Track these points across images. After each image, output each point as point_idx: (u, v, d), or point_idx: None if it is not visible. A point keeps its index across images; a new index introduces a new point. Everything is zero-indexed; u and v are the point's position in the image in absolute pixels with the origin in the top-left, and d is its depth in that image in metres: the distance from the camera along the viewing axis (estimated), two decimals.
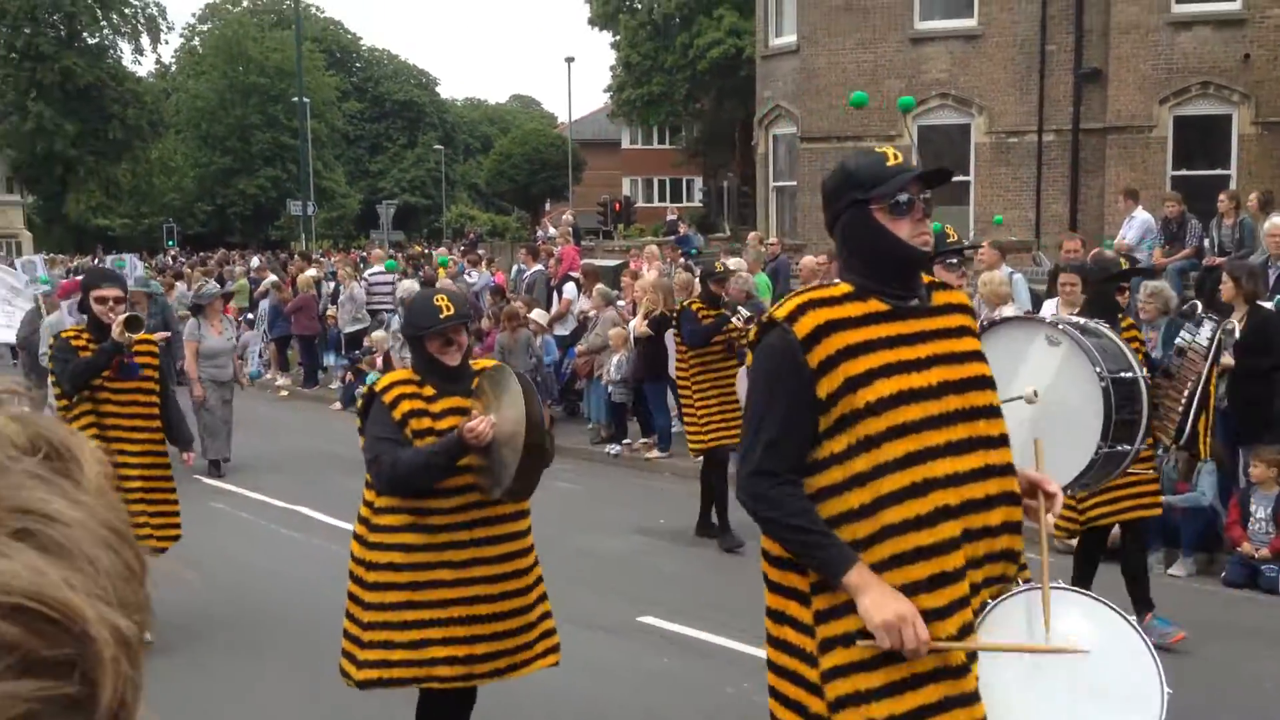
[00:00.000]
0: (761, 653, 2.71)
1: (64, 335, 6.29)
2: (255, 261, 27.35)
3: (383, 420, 4.01)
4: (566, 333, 14.07)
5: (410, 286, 13.41)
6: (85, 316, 6.48)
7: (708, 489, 8.96)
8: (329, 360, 18.19)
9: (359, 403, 4.27)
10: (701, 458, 9.00)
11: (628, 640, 6.69)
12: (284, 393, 17.73)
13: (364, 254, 26.93)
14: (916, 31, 20.41)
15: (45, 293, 13.44)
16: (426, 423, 4.01)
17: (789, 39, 22.09)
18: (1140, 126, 19.07)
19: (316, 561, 8.49)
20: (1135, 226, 13.69)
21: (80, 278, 13.69)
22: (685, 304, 9.10)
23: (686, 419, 9.10)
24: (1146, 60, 18.92)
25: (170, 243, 47.65)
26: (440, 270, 18.21)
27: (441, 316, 4.03)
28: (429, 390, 4.07)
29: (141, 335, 6.25)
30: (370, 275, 18.40)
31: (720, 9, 41.32)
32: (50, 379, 6.37)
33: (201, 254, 41.78)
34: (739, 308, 8.93)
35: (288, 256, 29.78)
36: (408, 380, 4.11)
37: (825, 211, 3.09)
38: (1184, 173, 18.51)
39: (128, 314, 6.21)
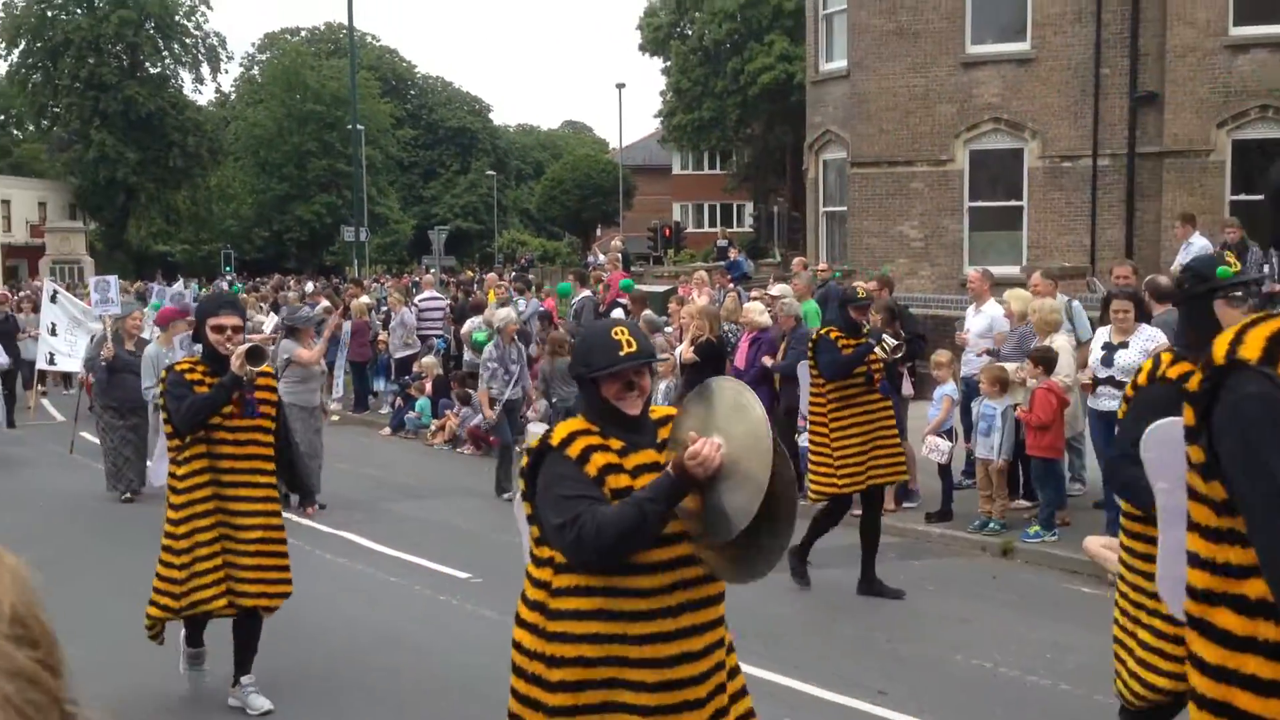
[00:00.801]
0: (806, 686, 2.60)
1: (178, 368, 5.65)
2: (309, 287, 27.65)
3: (573, 476, 3.18)
4: None
5: (508, 315, 12.55)
6: (199, 347, 5.93)
7: (817, 526, 8.32)
8: (379, 385, 18.31)
9: (524, 459, 3.39)
10: (824, 503, 8.24)
11: None
12: (334, 417, 17.84)
13: (415, 280, 27.17)
14: (968, 56, 20.26)
15: (116, 315, 12.97)
16: (625, 480, 3.21)
17: (839, 64, 22.03)
18: (1198, 150, 18.77)
19: (360, 588, 8.49)
20: (1192, 252, 13.43)
21: (178, 305, 13.32)
22: (822, 332, 8.29)
23: (816, 459, 8.15)
24: (1204, 83, 18.63)
25: (227, 268, 48.38)
26: (489, 294, 18.25)
27: (622, 354, 3.25)
28: (616, 443, 3.28)
29: (263, 368, 5.63)
30: (421, 300, 18.52)
31: (771, 35, 41.35)
32: (163, 416, 5.76)
33: (256, 279, 42.35)
34: (884, 335, 8.25)
35: (340, 281, 30.07)
36: (588, 430, 3.31)
37: (1273, 214, 2.43)
38: (1243, 198, 18.16)
39: (249, 344, 5.59)
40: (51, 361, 16.15)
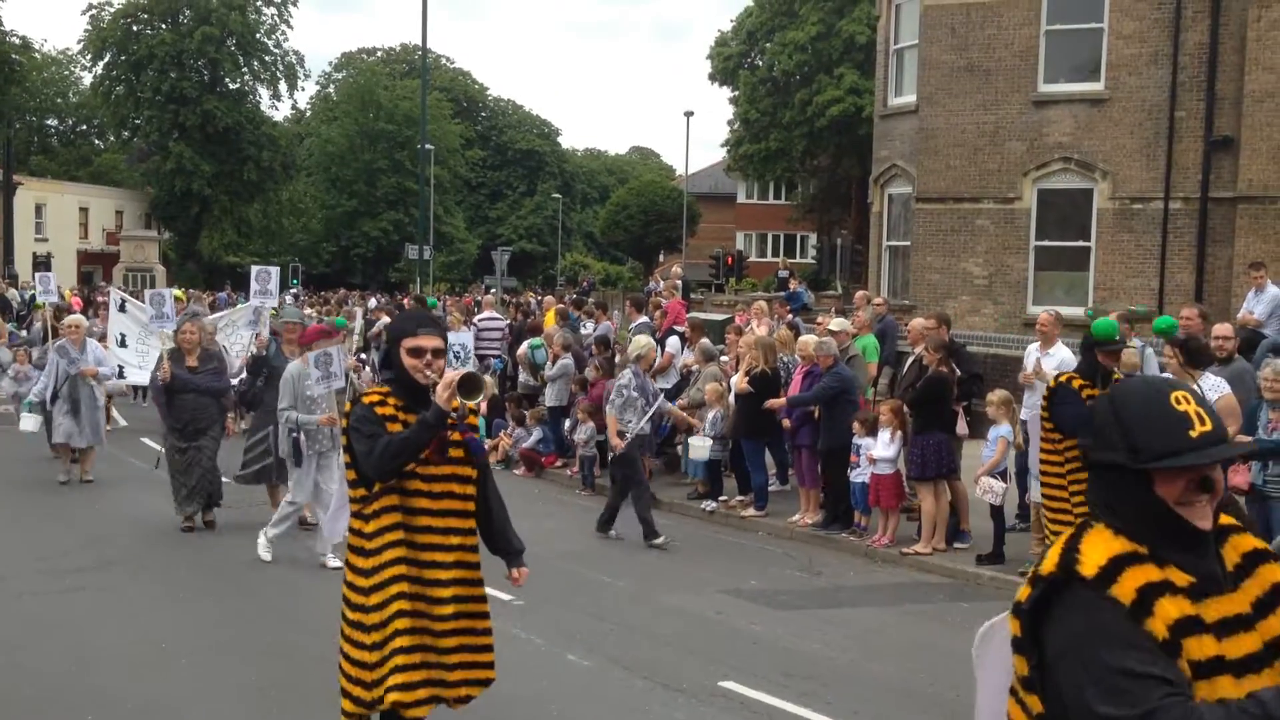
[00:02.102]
0: None
1: (365, 400, 4.50)
2: (373, 303, 27.96)
3: (1135, 641, 2.11)
4: (669, 386, 14.02)
5: (646, 343, 11.78)
6: (388, 373, 5.00)
7: None
8: None
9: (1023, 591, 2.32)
10: None
11: (705, 705, 6.54)
12: None
13: (477, 299, 27.38)
14: (1040, 94, 20.06)
15: (172, 331, 11.88)
16: (1211, 648, 2.17)
17: (909, 99, 21.92)
18: (1273, 196, 18.37)
19: None
20: (1265, 300, 13.14)
21: (321, 323, 11.87)
22: (1061, 379, 7.20)
23: (1054, 521, 7.02)
24: None
25: (294, 281, 49.14)
26: (548, 316, 18.31)
27: (1194, 434, 2.23)
28: (1181, 578, 2.21)
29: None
30: (480, 320, 18.64)
31: (841, 67, 41.31)
32: (344, 459, 4.63)
33: (322, 293, 42.94)
34: None
35: (404, 298, 30.36)
36: (1137, 555, 2.22)
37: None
38: None
39: (464, 372, 4.48)
40: (121, 375, 15.15)
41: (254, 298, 13.49)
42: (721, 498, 12.48)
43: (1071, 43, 20.09)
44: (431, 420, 4.30)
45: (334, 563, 9.01)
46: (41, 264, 44.99)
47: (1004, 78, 20.27)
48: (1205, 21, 18.81)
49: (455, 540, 4.52)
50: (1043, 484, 7.13)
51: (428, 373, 4.45)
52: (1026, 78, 20.13)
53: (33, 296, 28.14)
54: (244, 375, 13.27)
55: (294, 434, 9.60)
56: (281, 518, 9.82)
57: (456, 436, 4.50)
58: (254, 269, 14.25)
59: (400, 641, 4.36)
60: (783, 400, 11.37)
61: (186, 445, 10.82)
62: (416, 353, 4.47)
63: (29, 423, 13.50)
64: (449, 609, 4.47)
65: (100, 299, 27.73)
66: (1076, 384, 7.02)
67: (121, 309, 15.65)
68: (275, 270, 13.87)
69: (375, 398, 4.50)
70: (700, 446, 12.05)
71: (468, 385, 4.40)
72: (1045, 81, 20.10)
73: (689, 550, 10.83)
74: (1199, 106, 18.96)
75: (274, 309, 14.89)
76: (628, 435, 11.05)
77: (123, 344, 15.40)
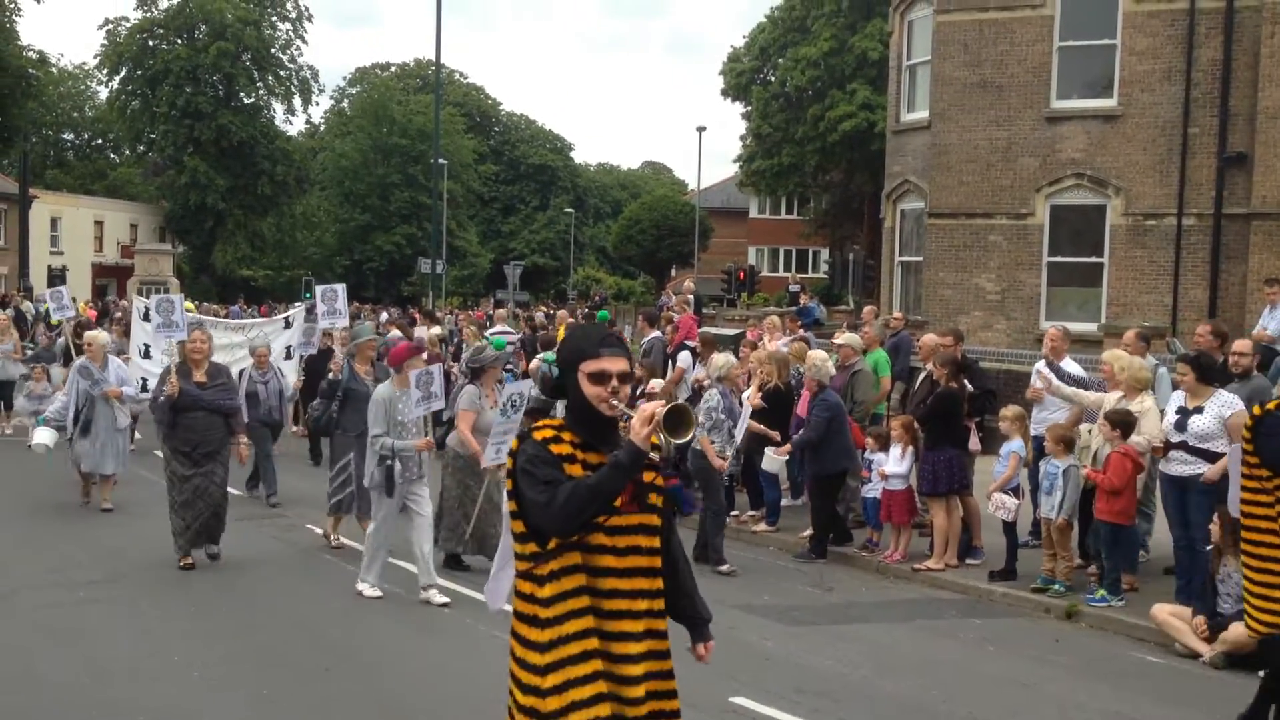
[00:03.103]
0: None
1: (538, 436, 3.65)
2: (384, 317, 28.03)
3: None
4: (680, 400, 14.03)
5: (728, 361, 11.45)
6: (554, 402, 4.14)
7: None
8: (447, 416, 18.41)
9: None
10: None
11: None
12: None
13: (489, 313, 27.44)
14: (1053, 110, 20.06)
15: (180, 340, 10.59)
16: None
17: (921, 114, 21.94)
18: None
19: (409, 618, 8.51)
20: (1278, 317, 13.10)
21: (411, 341, 11.09)
22: (1270, 406, 5.69)
23: (1257, 582, 5.66)
24: None
25: (307, 295, 49.31)
26: (559, 330, 18.36)
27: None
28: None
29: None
30: (491, 334, 18.67)
31: (853, 83, 41.34)
32: (509, 507, 3.68)
33: (300, 306, 42.94)
34: None
35: (415, 312, 30.46)
36: None
37: None
38: None
39: (671, 405, 3.57)
40: (144, 388, 13.98)
41: (322, 319, 12.62)
42: (734, 512, 12.46)
43: (1084, 59, 20.10)
44: (626, 462, 3.48)
45: (438, 598, 8.79)
46: (57, 277, 45.25)
47: (1017, 93, 20.28)
48: (1218, 38, 18.81)
49: (643, 605, 3.68)
50: (1245, 528, 5.75)
51: (614, 402, 3.64)
52: (1039, 93, 20.14)
53: (47, 311, 28.16)
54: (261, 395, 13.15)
55: (388, 462, 8.79)
56: (372, 559, 9.05)
57: (656, 480, 3.75)
58: (319, 289, 13.25)
59: None
60: (787, 448, 11.19)
61: (193, 472, 9.74)
62: (600, 378, 3.63)
63: (42, 435, 12.71)
64: (640, 690, 3.62)
65: (119, 312, 27.08)
66: None
67: (145, 318, 14.48)
68: (341, 288, 12.83)
69: (548, 433, 3.65)
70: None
71: (676, 420, 3.50)
72: (1058, 97, 20.10)
73: (701, 565, 10.81)
74: (1212, 123, 18.94)
75: (342, 328, 14.25)
76: (728, 455, 10.83)
77: (146, 355, 14.74)
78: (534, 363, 16.12)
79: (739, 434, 11.18)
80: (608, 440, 3.66)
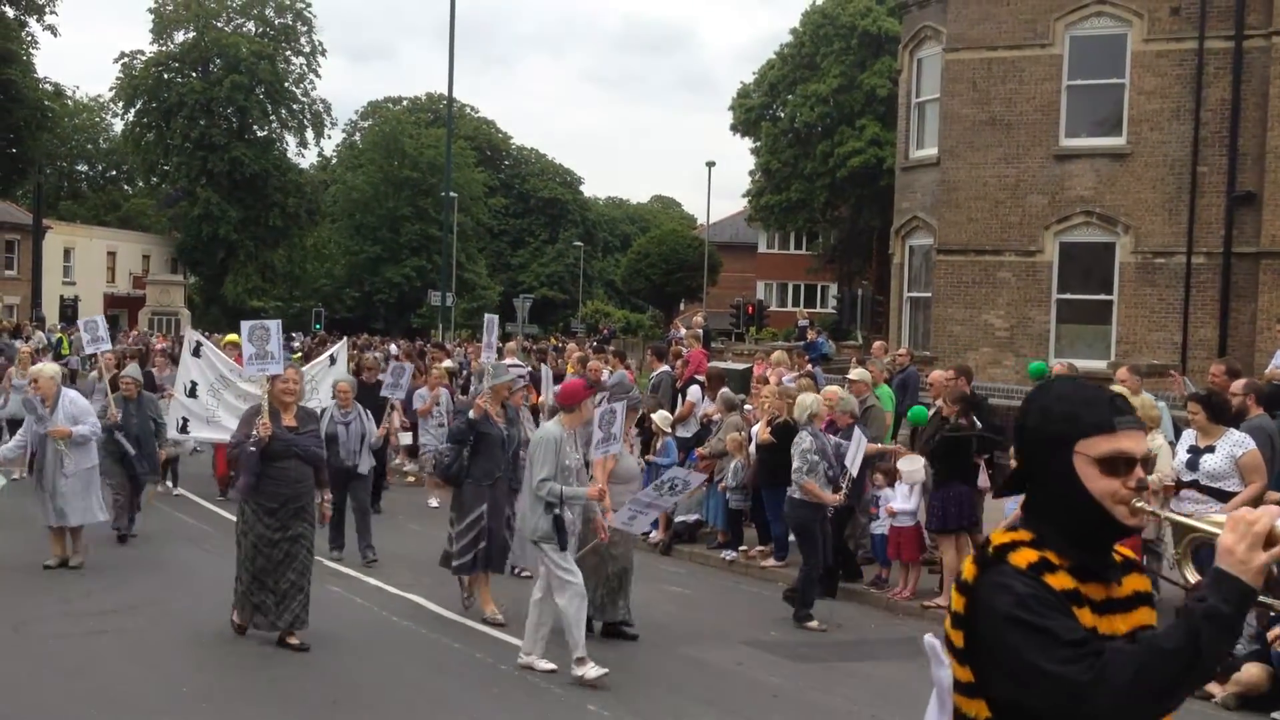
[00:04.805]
0: None
1: (1017, 562, 2.30)
2: (393, 349, 28.09)
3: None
4: (689, 435, 14.04)
5: (816, 400, 10.66)
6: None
7: None
8: None
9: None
10: None
11: None
12: (410, 478, 18.04)
13: (499, 346, 27.43)
14: (1061, 148, 20.14)
15: (272, 375, 8.66)
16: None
17: (930, 151, 22.05)
18: None
19: (423, 654, 8.50)
20: None
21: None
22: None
23: None
24: None
25: (317, 326, 49.47)
26: (569, 365, 18.38)
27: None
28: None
29: None
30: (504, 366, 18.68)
31: (862, 119, 41.57)
32: (952, 671, 2.44)
33: (344, 337, 43.08)
34: None
35: (424, 344, 30.53)
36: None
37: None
38: None
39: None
40: (184, 429, 13.03)
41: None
42: (741, 547, 12.45)
43: (1093, 97, 20.20)
44: (1231, 613, 2.13)
45: (593, 673, 7.58)
46: (69, 307, 45.51)
47: (1025, 131, 20.38)
48: (1227, 77, 18.91)
49: None
50: None
51: (1139, 504, 2.34)
52: (1048, 132, 20.23)
53: (61, 342, 28.15)
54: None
55: (555, 510, 7.82)
56: (539, 625, 7.88)
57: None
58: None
59: None
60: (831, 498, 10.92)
61: (281, 534, 8.29)
62: (1117, 465, 2.33)
63: None
64: None
65: (159, 344, 25.45)
66: None
67: (196, 353, 13.51)
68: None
69: (1030, 555, 2.31)
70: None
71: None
72: (1067, 135, 20.19)
73: (709, 600, 10.80)
74: (1221, 161, 19.00)
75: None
76: (844, 489, 10.19)
77: (192, 393, 13.27)
78: (544, 395, 16.14)
79: (855, 461, 10.36)
80: (1108, 562, 2.41)
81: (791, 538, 12.42)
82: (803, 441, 10.11)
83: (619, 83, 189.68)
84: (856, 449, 10.37)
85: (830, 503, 10.00)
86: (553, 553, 7.79)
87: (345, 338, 27.46)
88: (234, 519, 8.79)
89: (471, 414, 9.30)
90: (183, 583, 10.57)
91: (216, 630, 8.93)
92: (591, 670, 7.60)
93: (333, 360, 14.77)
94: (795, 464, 9.90)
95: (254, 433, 8.18)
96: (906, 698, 7.86)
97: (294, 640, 8.28)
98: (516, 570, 10.25)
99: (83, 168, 75.97)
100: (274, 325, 8.83)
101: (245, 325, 8.97)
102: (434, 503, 15.03)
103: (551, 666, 7.81)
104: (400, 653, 8.43)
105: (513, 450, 9.45)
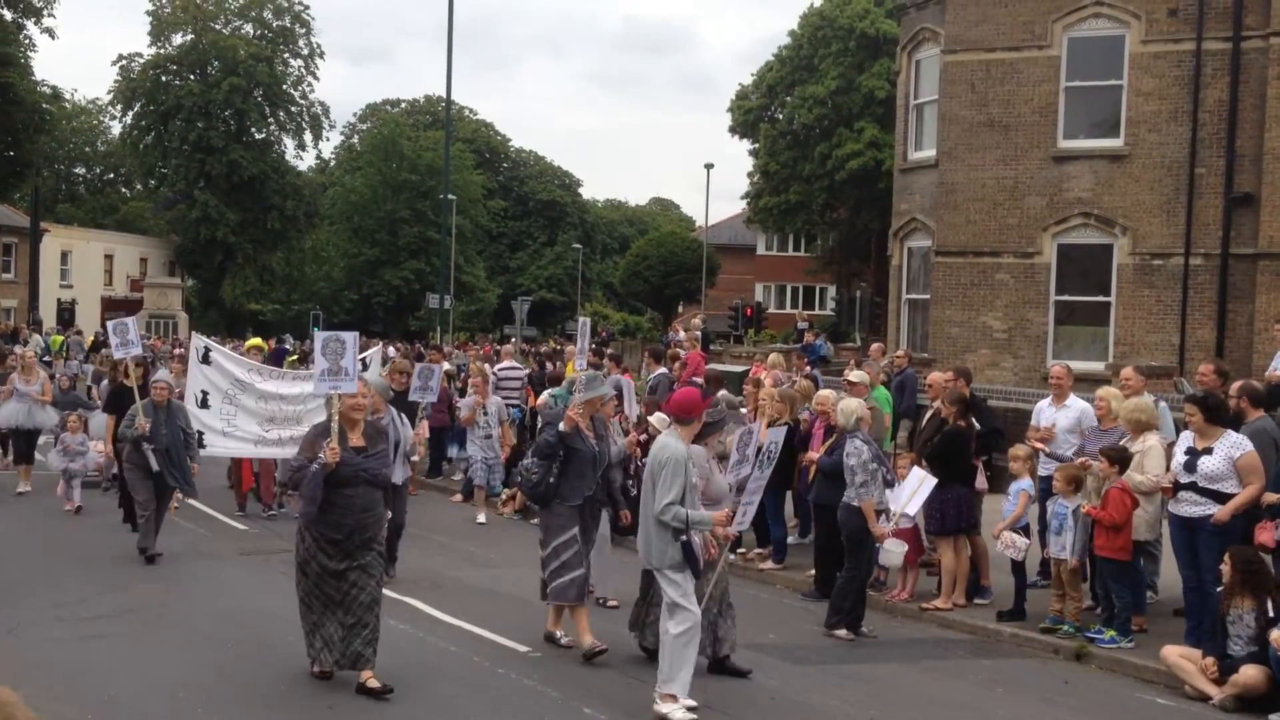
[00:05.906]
0: None
1: None
2: (391, 351, 28.08)
3: None
4: None
5: (857, 406, 10.01)
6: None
7: None
8: (453, 452, 18.38)
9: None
10: None
11: None
12: (456, 496, 17.80)
13: (496, 348, 27.46)
14: (1059, 150, 20.15)
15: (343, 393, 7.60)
16: None
17: (928, 153, 22.05)
18: None
19: (421, 657, 8.47)
20: None
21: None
22: None
23: None
24: None
25: (315, 328, 49.38)
26: (568, 366, 18.35)
27: None
28: None
29: None
30: (499, 370, 18.67)
31: (861, 121, 41.59)
32: None
33: (380, 343, 42.99)
34: None
35: (422, 347, 30.51)
36: None
37: None
38: None
39: None
40: (201, 443, 12.01)
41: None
42: (740, 549, 12.41)
43: (1091, 99, 20.21)
44: None
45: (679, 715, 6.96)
46: (66, 310, 45.49)
47: (1024, 133, 20.38)
48: (1225, 79, 18.91)
49: None
50: None
51: None
52: (1046, 133, 20.24)
53: (62, 345, 28.14)
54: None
55: (682, 537, 7.19)
56: (677, 661, 7.10)
57: None
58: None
59: None
60: (814, 455, 11.09)
61: (346, 566, 7.39)
62: None
63: None
64: None
65: (177, 350, 24.50)
66: None
67: (204, 360, 12.41)
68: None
69: None
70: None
71: None
72: (1065, 137, 20.20)
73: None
74: (1219, 163, 19.01)
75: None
76: (895, 515, 9.65)
77: (204, 404, 12.22)
78: (543, 398, 16.12)
79: (917, 502, 9.90)
80: None
81: (792, 539, 12.50)
82: (861, 452, 9.46)
83: (618, 84, 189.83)
84: (920, 488, 9.73)
85: (878, 536, 9.47)
86: (683, 580, 7.19)
87: (381, 342, 26.89)
88: (234, 524, 8.19)
89: (562, 426, 8.46)
90: (178, 588, 10.54)
91: (211, 634, 8.90)
92: (678, 712, 6.91)
93: (365, 365, 14.15)
94: (859, 477, 9.40)
95: (320, 456, 7.23)
96: (905, 700, 7.84)
97: (374, 684, 7.30)
98: (600, 600, 9.73)
99: (80, 170, 75.95)
100: (350, 338, 7.75)
101: (319, 336, 7.98)
102: (481, 518, 14.55)
103: (692, 704, 7.08)
104: (396, 657, 8.39)
105: (603, 469, 8.70)
